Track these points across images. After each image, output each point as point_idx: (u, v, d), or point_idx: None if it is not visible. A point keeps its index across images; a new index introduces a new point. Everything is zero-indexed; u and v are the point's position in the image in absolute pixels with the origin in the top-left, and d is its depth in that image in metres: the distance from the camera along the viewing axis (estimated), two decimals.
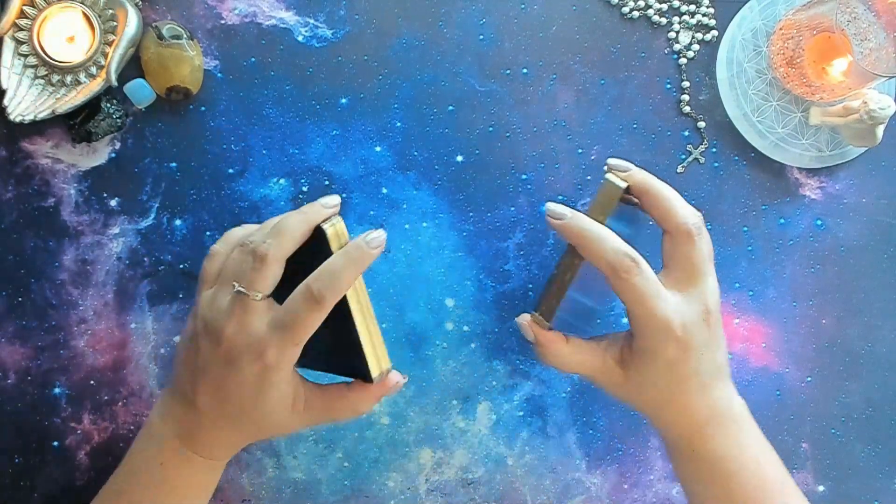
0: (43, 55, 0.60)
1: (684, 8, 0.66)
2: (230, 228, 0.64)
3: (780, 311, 0.67)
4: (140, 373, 0.64)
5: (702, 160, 0.67)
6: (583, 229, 0.51)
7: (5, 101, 0.61)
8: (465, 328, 0.66)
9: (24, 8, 0.60)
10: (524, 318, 0.54)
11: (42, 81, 0.61)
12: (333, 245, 0.51)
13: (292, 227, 0.50)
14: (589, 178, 0.66)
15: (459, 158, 0.66)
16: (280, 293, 0.50)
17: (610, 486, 0.66)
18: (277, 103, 0.65)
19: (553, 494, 0.66)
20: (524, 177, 0.66)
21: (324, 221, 0.51)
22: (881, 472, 0.67)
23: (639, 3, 0.66)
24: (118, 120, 0.63)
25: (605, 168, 0.54)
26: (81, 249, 0.64)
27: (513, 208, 0.66)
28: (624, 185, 0.53)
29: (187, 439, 0.52)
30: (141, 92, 0.63)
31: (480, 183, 0.66)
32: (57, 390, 0.64)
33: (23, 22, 0.60)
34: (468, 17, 0.65)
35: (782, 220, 0.67)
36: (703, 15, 0.66)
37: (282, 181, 0.65)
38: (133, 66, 0.63)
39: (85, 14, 0.61)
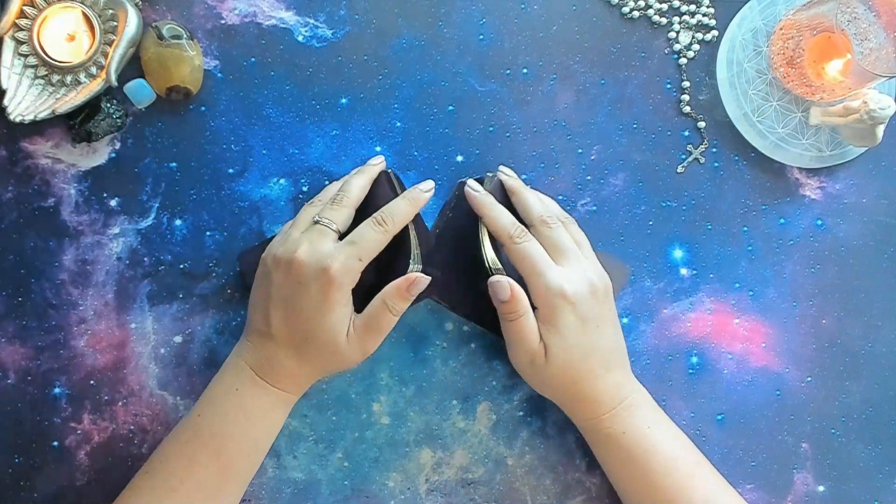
0: (43, 55, 0.60)
1: (684, 8, 0.66)
2: (230, 228, 0.64)
3: (780, 311, 0.67)
4: (140, 373, 0.64)
5: (702, 160, 0.67)
6: (487, 204, 0.60)
7: (5, 101, 0.61)
8: (465, 328, 0.66)
9: (24, 8, 0.60)
10: (494, 278, 0.59)
11: (42, 81, 0.61)
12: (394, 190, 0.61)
13: (358, 183, 0.60)
14: (589, 178, 0.66)
15: (459, 158, 0.66)
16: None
17: (610, 486, 0.66)
18: (277, 103, 0.65)
19: (553, 494, 0.66)
20: (524, 177, 0.66)
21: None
22: (881, 472, 0.67)
23: (639, 3, 0.66)
24: (118, 120, 0.63)
25: (498, 170, 0.63)
26: (81, 249, 0.64)
27: None
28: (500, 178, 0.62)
29: (261, 369, 0.57)
30: (141, 92, 0.63)
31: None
32: (57, 390, 0.64)
33: (23, 22, 0.60)
34: (468, 17, 0.65)
35: (782, 220, 0.67)
36: (704, 15, 0.66)
37: (282, 181, 0.65)
38: (133, 66, 0.63)
39: (85, 14, 0.61)
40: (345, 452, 0.65)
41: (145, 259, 0.64)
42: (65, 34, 0.61)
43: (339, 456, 0.65)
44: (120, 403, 0.64)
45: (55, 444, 0.64)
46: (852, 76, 0.60)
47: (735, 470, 0.66)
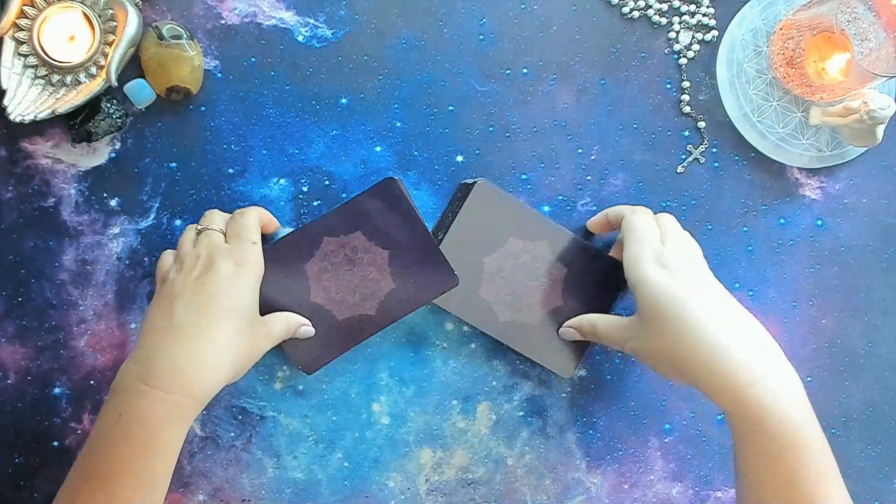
0: (43, 55, 0.60)
1: (684, 8, 0.66)
2: None
3: (780, 311, 0.67)
4: None
5: (702, 160, 0.67)
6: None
7: (5, 101, 0.61)
8: (465, 328, 0.66)
9: (24, 8, 0.60)
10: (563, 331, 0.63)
11: (42, 81, 0.61)
12: None
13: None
14: (589, 178, 0.66)
15: (459, 158, 0.66)
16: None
17: (610, 486, 0.66)
18: (277, 103, 0.65)
19: (553, 494, 0.66)
20: (524, 177, 0.66)
21: None
22: (881, 472, 0.67)
23: (639, 3, 0.66)
24: (118, 120, 0.63)
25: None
26: (81, 249, 0.64)
27: None
28: None
29: (149, 374, 0.51)
30: (141, 92, 0.63)
31: None
32: (57, 390, 0.64)
33: (23, 22, 0.60)
34: (468, 17, 0.65)
35: (782, 220, 0.67)
36: (703, 15, 0.66)
37: (282, 181, 0.65)
38: (133, 66, 0.63)
39: (85, 14, 0.61)
40: (345, 452, 0.65)
41: (145, 259, 0.64)
42: (65, 34, 0.61)
43: (339, 456, 0.65)
44: None
45: (55, 444, 0.64)
46: (852, 76, 0.60)
47: None
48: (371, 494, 0.65)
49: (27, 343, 0.64)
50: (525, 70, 0.66)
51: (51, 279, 0.64)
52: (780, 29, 0.63)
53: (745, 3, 0.66)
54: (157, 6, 0.64)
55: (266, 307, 0.59)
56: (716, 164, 0.67)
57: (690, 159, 0.67)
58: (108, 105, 0.62)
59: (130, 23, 0.61)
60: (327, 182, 0.65)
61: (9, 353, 0.64)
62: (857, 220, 0.67)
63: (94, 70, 0.61)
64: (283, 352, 0.62)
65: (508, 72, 0.66)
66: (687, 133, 0.67)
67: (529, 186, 0.66)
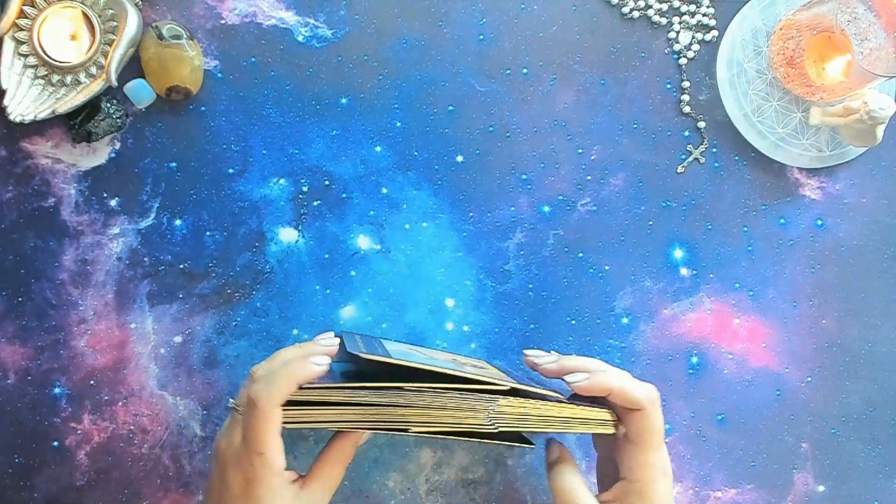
0: (43, 55, 0.60)
1: (684, 8, 0.66)
2: (230, 228, 0.64)
3: (780, 311, 0.67)
4: (140, 373, 0.64)
5: (702, 160, 0.67)
6: (616, 374, 0.55)
7: (5, 101, 0.61)
8: (465, 328, 0.66)
9: (24, 8, 0.60)
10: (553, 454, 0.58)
11: (42, 81, 0.61)
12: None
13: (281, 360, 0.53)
14: (589, 178, 0.66)
15: (459, 158, 0.66)
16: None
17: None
18: (277, 103, 0.65)
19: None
20: (524, 177, 0.66)
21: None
22: (881, 472, 0.67)
23: (639, 3, 0.66)
24: (118, 120, 0.63)
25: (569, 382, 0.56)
26: (81, 249, 0.64)
27: (513, 208, 0.66)
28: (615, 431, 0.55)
29: None
30: (141, 92, 0.63)
31: (480, 183, 0.66)
32: (57, 390, 0.64)
33: (23, 22, 0.60)
34: (468, 17, 0.65)
35: (782, 220, 0.67)
36: (704, 15, 0.66)
37: (282, 181, 0.65)
38: (133, 66, 0.63)
39: (85, 14, 0.61)
40: None
41: (145, 259, 0.64)
42: (65, 34, 0.61)
43: None
44: (120, 403, 0.64)
45: (55, 444, 0.64)
46: (852, 76, 0.60)
47: (735, 470, 0.66)
48: (371, 494, 0.65)
49: (27, 343, 0.64)
50: (525, 70, 0.66)
51: (51, 279, 0.64)
52: (780, 29, 0.63)
53: (745, 3, 0.66)
54: (157, 6, 0.64)
55: None
56: (716, 164, 0.67)
57: (690, 159, 0.67)
58: (108, 105, 0.62)
59: (130, 23, 0.61)
60: (327, 182, 0.65)
61: (9, 353, 0.64)
62: (857, 220, 0.67)
63: (94, 70, 0.61)
64: None
65: (508, 72, 0.66)
66: (687, 133, 0.67)
67: (529, 186, 0.66)
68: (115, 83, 0.61)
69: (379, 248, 0.65)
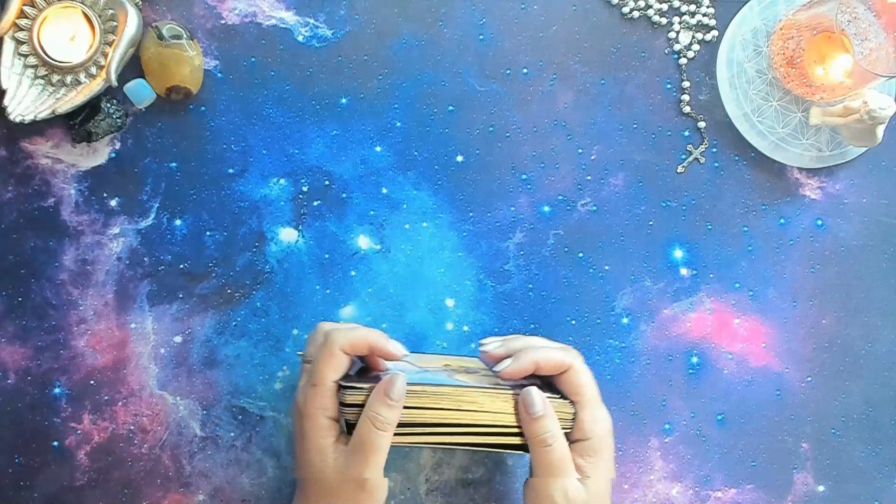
0: (43, 55, 0.60)
1: (684, 8, 0.66)
2: (230, 228, 0.64)
3: (780, 311, 0.67)
4: (140, 373, 0.64)
5: (702, 160, 0.67)
6: (535, 347, 0.57)
7: (5, 101, 0.61)
8: (465, 328, 0.66)
9: (24, 8, 0.60)
10: (526, 390, 0.56)
11: (42, 81, 0.61)
12: None
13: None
14: (589, 178, 0.66)
15: (459, 158, 0.66)
16: None
17: None
18: (277, 103, 0.65)
19: None
20: (524, 177, 0.66)
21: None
22: (881, 472, 0.67)
23: (639, 3, 0.66)
24: (118, 120, 0.63)
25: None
26: (81, 249, 0.64)
27: (513, 208, 0.66)
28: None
29: None
30: (141, 92, 0.63)
31: (480, 183, 0.66)
32: (57, 390, 0.64)
33: (23, 22, 0.60)
34: (468, 17, 0.65)
35: (782, 220, 0.67)
36: (704, 15, 0.66)
37: (282, 181, 0.65)
38: (133, 66, 0.63)
39: (85, 14, 0.61)
40: None
41: (145, 259, 0.64)
42: (65, 34, 0.61)
43: None
44: (120, 403, 0.64)
45: (55, 444, 0.64)
46: (852, 76, 0.60)
47: (735, 470, 0.66)
48: None
49: (27, 343, 0.64)
50: (525, 70, 0.66)
51: (51, 279, 0.64)
52: (780, 29, 0.63)
53: (745, 3, 0.66)
54: (157, 6, 0.64)
55: None
56: (716, 164, 0.67)
57: (690, 159, 0.67)
58: (108, 105, 0.62)
59: (130, 23, 0.61)
60: (327, 182, 0.65)
61: (9, 353, 0.64)
62: (857, 220, 0.67)
63: (94, 70, 0.61)
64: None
65: (508, 72, 0.66)
66: (687, 133, 0.67)
67: (529, 186, 0.66)
68: (115, 83, 0.61)
69: (379, 248, 0.65)
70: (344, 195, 0.65)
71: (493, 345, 0.59)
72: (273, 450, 0.65)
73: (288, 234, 0.65)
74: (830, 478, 0.67)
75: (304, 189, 0.65)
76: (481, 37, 0.65)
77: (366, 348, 0.54)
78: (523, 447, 0.55)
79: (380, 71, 0.65)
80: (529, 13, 0.65)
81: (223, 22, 0.64)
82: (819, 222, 0.67)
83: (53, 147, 0.64)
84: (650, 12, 0.66)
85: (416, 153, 0.65)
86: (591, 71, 0.66)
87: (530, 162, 0.66)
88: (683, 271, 0.67)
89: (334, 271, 0.65)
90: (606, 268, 0.66)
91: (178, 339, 0.64)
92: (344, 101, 0.65)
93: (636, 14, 0.66)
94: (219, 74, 0.64)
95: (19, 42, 0.61)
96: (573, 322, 0.66)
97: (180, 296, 0.64)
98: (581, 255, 0.66)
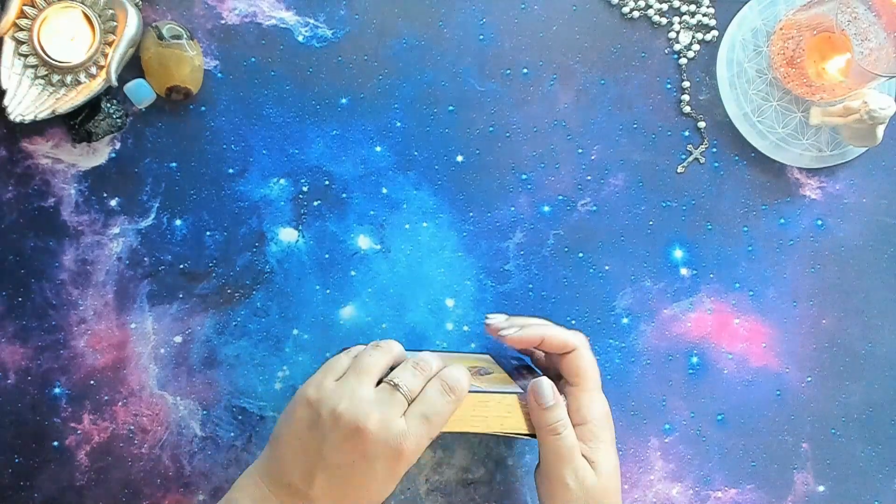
0: (43, 55, 0.60)
1: (684, 8, 0.66)
2: (230, 228, 0.64)
3: (780, 311, 0.67)
4: (140, 373, 0.64)
5: (702, 160, 0.67)
6: (536, 324, 0.59)
7: (5, 101, 0.61)
8: (465, 328, 0.66)
9: (24, 8, 0.60)
10: (537, 380, 0.57)
11: (42, 81, 0.61)
12: None
13: (437, 360, 0.55)
14: (589, 178, 0.66)
15: (459, 158, 0.66)
16: None
17: None
18: (277, 103, 0.65)
19: None
20: (524, 177, 0.66)
21: None
22: (881, 472, 0.67)
23: (639, 3, 0.66)
24: (118, 120, 0.63)
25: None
26: (81, 249, 0.64)
27: (513, 208, 0.66)
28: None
29: None
30: (141, 92, 0.63)
31: (480, 183, 0.66)
32: (57, 390, 0.64)
33: (23, 22, 0.60)
34: (468, 17, 0.65)
35: (782, 220, 0.67)
36: (704, 15, 0.66)
37: (282, 181, 0.65)
38: (133, 66, 0.63)
39: (85, 14, 0.61)
40: None
41: (145, 259, 0.64)
42: (65, 34, 0.61)
43: None
44: (120, 403, 0.64)
45: (55, 444, 0.64)
46: (852, 76, 0.60)
47: (735, 470, 0.66)
48: None
49: (27, 343, 0.64)
50: (525, 70, 0.66)
51: (51, 279, 0.64)
52: (780, 29, 0.63)
53: (745, 3, 0.66)
54: (157, 6, 0.64)
55: None
56: (716, 164, 0.67)
57: (690, 159, 0.67)
58: (108, 105, 0.62)
59: (130, 23, 0.61)
60: (327, 182, 0.65)
61: (9, 353, 0.64)
62: (857, 220, 0.67)
63: (94, 70, 0.61)
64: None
65: (508, 72, 0.66)
66: (687, 133, 0.67)
67: (529, 186, 0.66)
68: (115, 83, 0.61)
69: (379, 248, 0.65)
70: (344, 195, 0.65)
71: (498, 319, 0.60)
72: None
73: (288, 234, 0.65)
74: (830, 478, 0.67)
75: (304, 189, 0.65)
76: (481, 37, 0.65)
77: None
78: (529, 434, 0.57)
79: (380, 71, 0.65)
80: (529, 13, 0.65)
81: (223, 22, 0.64)
82: (819, 222, 0.67)
83: (53, 147, 0.64)
84: (650, 12, 0.66)
85: (416, 153, 0.65)
86: (591, 71, 0.66)
87: (530, 162, 0.66)
88: (683, 271, 0.67)
89: (334, 271, 0.65)
90: (606, 268, 0.66)
91: (178, 339, 0.64)
92: (344, 101, 0.65)
93: (636, 14, 0.66)
94: (219, 74, 0.64)
95: (19, 42, 0.61)
96: (573, 322, 0.66)
97: (180, 296, 0.64)
98: (581, 255, 0.66)
